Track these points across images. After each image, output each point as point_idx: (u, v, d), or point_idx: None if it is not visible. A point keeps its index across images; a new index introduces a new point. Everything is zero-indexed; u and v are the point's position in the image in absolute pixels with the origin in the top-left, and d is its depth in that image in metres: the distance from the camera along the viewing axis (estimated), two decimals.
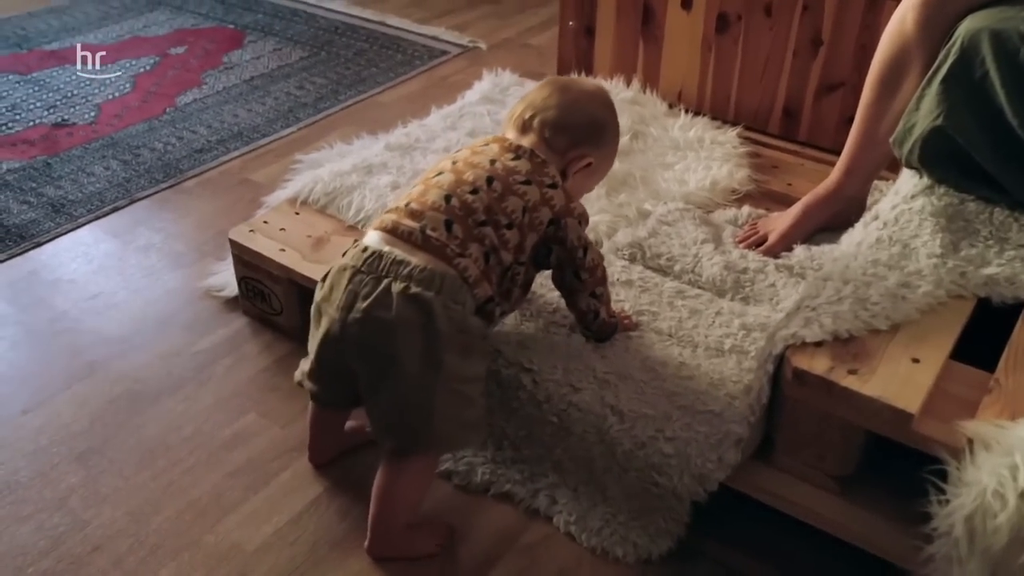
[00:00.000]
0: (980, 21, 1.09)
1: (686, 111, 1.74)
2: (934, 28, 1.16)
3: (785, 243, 1.37)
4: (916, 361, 0.96)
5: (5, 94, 2.17)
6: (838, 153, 1.39)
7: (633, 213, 1.46)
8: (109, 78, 2.27)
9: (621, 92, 1.78)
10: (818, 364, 0.95)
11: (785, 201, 1.49)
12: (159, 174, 1.87)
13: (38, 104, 2.13)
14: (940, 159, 1.14)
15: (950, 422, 0.89)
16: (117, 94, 2.20)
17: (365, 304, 0.98)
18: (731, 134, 1.68)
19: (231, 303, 1.51)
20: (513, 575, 1.07)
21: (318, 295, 1.05)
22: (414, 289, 0.97)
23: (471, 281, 1.01)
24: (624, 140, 1.64)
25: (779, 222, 1.40)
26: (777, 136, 1.72)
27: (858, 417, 0.93)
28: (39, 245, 1.65)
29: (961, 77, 1.10)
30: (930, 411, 0.92)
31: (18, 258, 1.61)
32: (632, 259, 1.36)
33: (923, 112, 1.14)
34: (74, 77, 2.27)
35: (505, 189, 1.06)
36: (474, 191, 1.05)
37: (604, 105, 1.18)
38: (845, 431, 0.96)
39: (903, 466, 0.99)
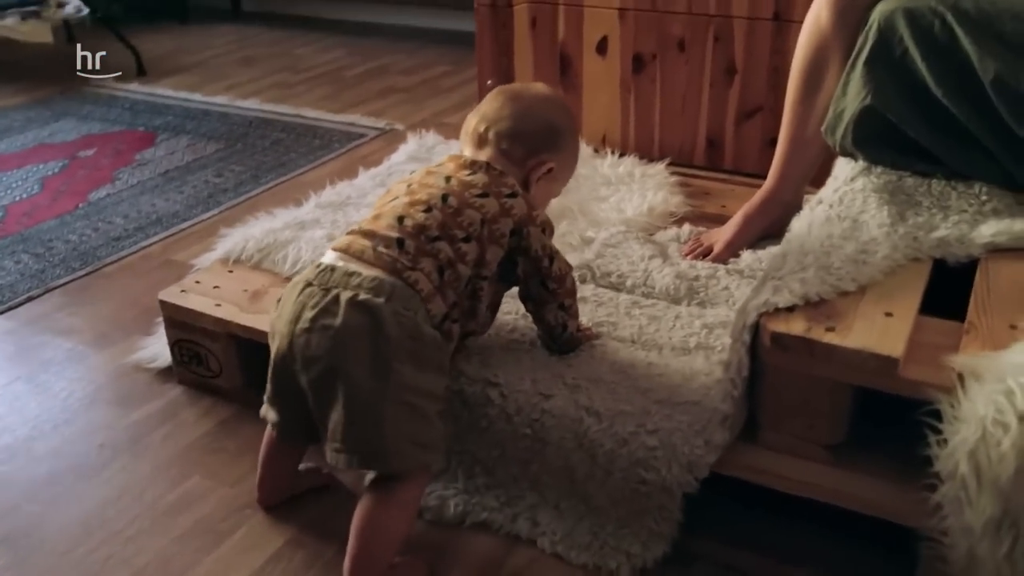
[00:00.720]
0: (892, 3, 1.14)
1: (612, 152, 1.77)
2: (848, 20, 1.21)
3: (731, 251, 1.37)
4: (889, 315, 0.95)
5: None
6: (764, 177, 1.42)
7: (576, 240, 1.45)
8: (15, 182, 2.19)
9: None
10: (795, 326, 0.93)
11: (721, 221, 1.50)
12: (76, 263, 1.78)
13: None
14: (873, 140, 1.17)
15: (935, 364, 0.88)
16: (24, 196, 2.11)
17: (312, 313, 0.94)
18: (659, 167, 1.70)
19: (163, 374, 1.42)
20: None
21: (271, 316, 0.99)
22: (362, 296, 0.94)
23: (423, 295, 0.97)
24: None
25: (722, 233, 1.41)
26: (703, 167, 1.75)
27: (843, 373, 0.91)
28: None
29: (883, 57, 1.14)
30: (912, 359, 0.90)
31: None
32: (583, 280, 1.34)
33: (850, 96, 1.18)
34: None
35: (461, 203, 1.03)
36: (428, 209, 1.02)
37: (558, 108, 1.18)
38: (832, 393, 0.93)
39: (892, 434, 0.98)
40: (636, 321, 1.22)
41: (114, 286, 1.71)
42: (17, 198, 2.10)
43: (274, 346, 0.99)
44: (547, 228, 1.10)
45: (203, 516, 1.12)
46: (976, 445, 0.81)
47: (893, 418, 0.98)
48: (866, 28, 1.16)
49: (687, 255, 1.39)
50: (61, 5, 3.02)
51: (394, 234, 1.00)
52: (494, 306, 1.12)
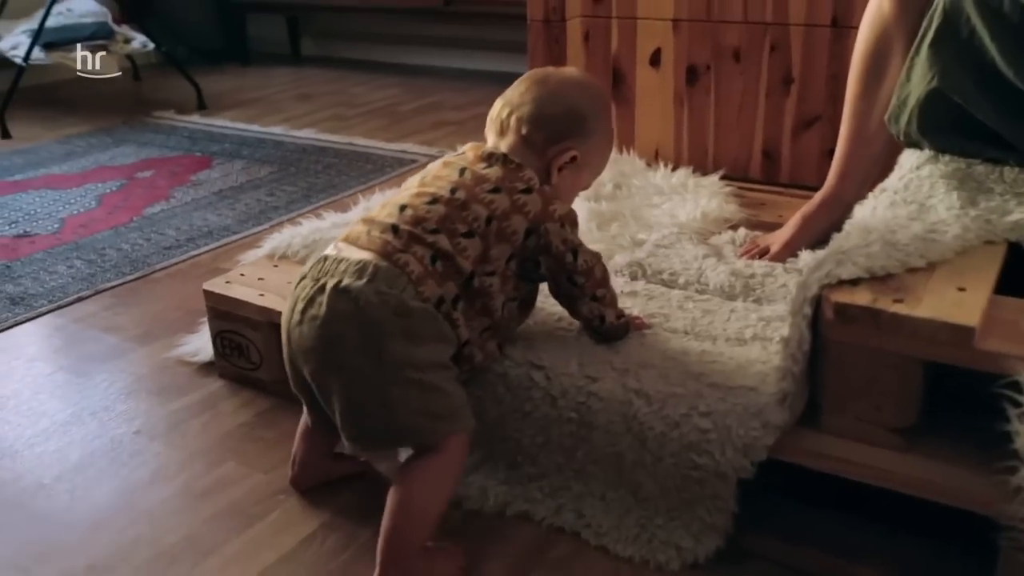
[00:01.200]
0: None
1: (664, 165, 1.73)
2: (912, 5, 1.18)
3: (789, 251, 1.32)
4: (962, 290, 0.89)
5: None
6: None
7: (627, 242, 1.41)
8: (73, 198, 2.23)
9: None
10: (860, 298, 0.88)
11: (778, 228, 1.45)
12: (126, 268, 1.79)
13: (0, 222, 2.07)
14: (940, 126, 1.12)
15: (1015, 337, 0.81)
16: (82, 210, 2.15)
17: (301, 306, 0.93)
18: (713, 178, 1.66)
19: (205, 368, 1.40)
20: None
21: None
22: (344, 282, 0.91)
23: (413, 276, 0.93)
24: (607, 189, 1.62)
25: (780, 234, 1.36)
26: (759, 181, 1.71)
27: (912, 346, 0.85)
28: None
29: (949, 38, 1.10)
30: (989, 332, 0.84)
31: None
32: (633, 276, 1.29)
33: (915, 81, 1.13)
34: (38, 199, 2.22)
35: (469, 198, 0.99)
36: (432, 201, 0.99)
37: (587, 93, 1.11)
38: (900, 371, 0.87)
39: (967, 420, 0.91)
40: (689, 314, 1.16)
41: (162, 289, 1.71)
42: (75, 212, 2.13)
43: (282, 338, 0.98)
44: (566, 221, 1.03)
45: (236, 500, 1.09)
46: None
47: (966, 406, 0.92)
48: (931, 11, 1.12)
49: (743, 255, 1.34)
50: (128, 41, 3.12)
51: (391, 221, 0.97)
52: (526, 304, 1.07)
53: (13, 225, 2.04)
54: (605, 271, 1.07)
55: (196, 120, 3.03)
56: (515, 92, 1.11)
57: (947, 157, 1.12)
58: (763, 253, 1.33)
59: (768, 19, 1.61)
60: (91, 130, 2.91)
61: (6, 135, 2.82)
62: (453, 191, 0.99)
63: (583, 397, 1.00)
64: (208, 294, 1.33)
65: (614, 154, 1.77)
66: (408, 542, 0.92)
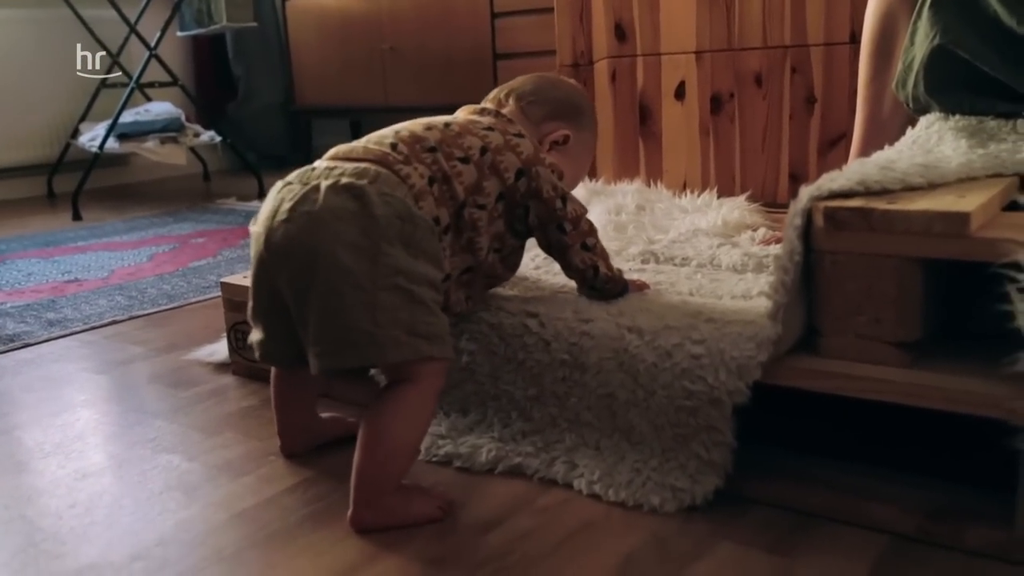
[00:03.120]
0: None
1: (691, 193, 1.73)
2: None
3: None
4: (962, 197, 0.84)
5: (23, 268, 2.21)
6: None
7: (643, 240, 1.39)
8: (127, 256, 2.32)
9: (625, 186, 1.78)
10: (851, 203, 0.84)
11: None
12: (163, 300, 1.84)
13: (54, 272, 2.16)
14: (947, 84, 1.10)
15: (1014, 227, 0.77)
16: (132, 263, 2.23)
17: (290, 205, 0.88)
18: (739, 198, 1.64)
19: (220, 367, 1.40)
20: (522, 533, 0.87)
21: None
22: (344, 180, 0.88)
23: (414, 190, 0.91)
24: (630, 209, 1.61)
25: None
26: (787, 205, 1.67)
27: (907, 245, 0.80)
28: (28, 345, 1.57)
29: None
30: (986, 225, 0.79)
31: (3, 356, 1.53)
32: (644, 261, 1.27)
33: (919, 41, 1.12)
34: (94, 258, 2.32)
35: (463, 130, 0.99)
36: (428, 128, 0.99)
37: (580, 93, 1.21)
38: (899, 274, 0.82)
39: (972, 343, 0.85)
40: (696, 283, 1.13)
41: (193, 316, 1.74)
42: (125, 265, 2.22)
43: (253, 251, 0.92)
44: (556, 169, 1.03)
45: (228, 459, 1.07)
46: None
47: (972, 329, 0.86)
48: None
49: (760, 244, 1.31)
50: (197, 135, 3.31)
51: (388, 139, 0.96)
52: (508, 262, 1.05)
53: (66, 274, 2.13)
54: (592, 225, 1.05)
55: (255, 205, 3.15)
56: (516, 80, 1.15)
57: (957, 116, 1.10)
58: (780, 241, 1.30)
59: (787, 42, 1.63)
60: (156, 213, 3.06)
61: (77, 217, 2.98)
62: (447, 124, 1.00)
63: (575, 338, 0.97)
64: (225, 286, 1.35)
65: (640, 187, 1.78)
66: (382, 477, 0.88)
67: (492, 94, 1.15)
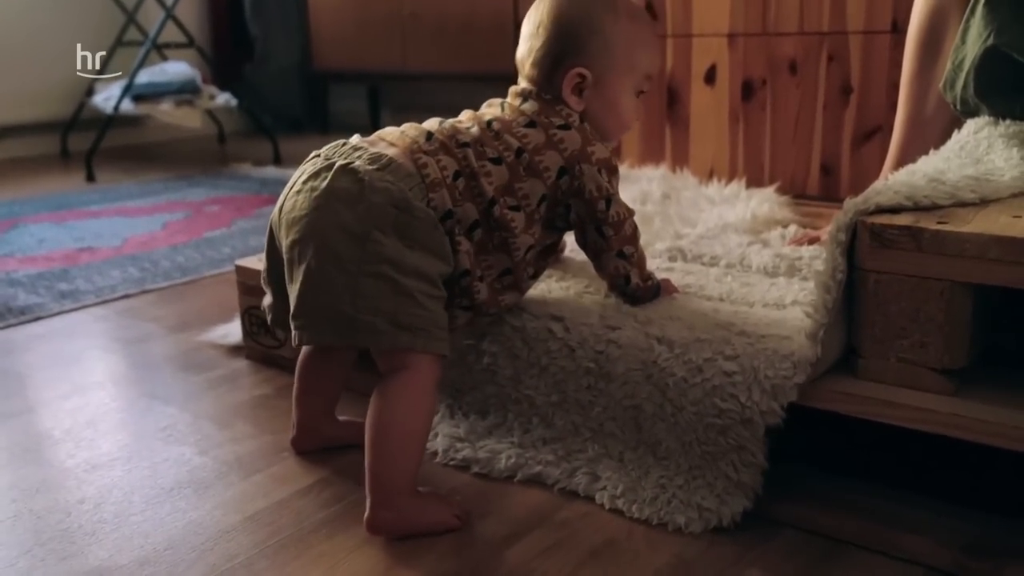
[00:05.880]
0: None
1: (719, 181, 1.68)
2: None
3: None
4: (1018, 217, 0.80)
5: (36, 234, 2.18)
6: None
7: (669, 235, 1.35)
8: (140, 224, 2.29)
9: (650, 172, 1.73)
10: (899, 220, 0.80)
11: None
12: (176, 274, 1.81)
13: (67, 239, 2.13)
14: (999, 87, 1.05)
15: None
16: (145, 231, 2.21)
17: (304, 177, 0.90)
18: (768, 190, 1.60)
19: (233, 350, 1.37)
20: (542, 550, 0.84)
21: None
22: (355, 163, 0.88)
23: (428, 181, 0.89)
24: (655, 196, 1.57)
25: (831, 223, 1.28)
26: (817, 197, 1.63)
27: (958, 269, 0.76)
28: (40, 319, 1.55)
29: None
30: None
31: (15, 328, 1.51)
32: (672, 259, 1.23)
33: (970, 42, 1.07)
34: (107, 224, 2.29)
35: (503, 128, 0.96)
36: (470, 124, 0.97)
37: (587, 1, 1.00)
38: (947, 298, 0.78)
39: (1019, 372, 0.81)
40: (727, 286, 1.09)
41: (206, 291, 1.71)
42: (138, 233, 2.19)
43: (274, 215, 0.94)
44: (605, 168, 0.97)
45: (240, 454, 1.04)
46: None
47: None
48: None
49: (790, 243, 1.27)
50: (213, 97, 3.26)
51: (428, 128, 0.95)
52: (545, 253, 1.01)
53: (79, 241, 2.10)
54: (636, 230, 1.01)
55: (270, 171, 3.11)
56: (525, 25, 1.04)
57: (1008, 121, 1.04)
58: (813, 242, 1.26)
59: (825, 28, 1.57)
60: (170, 177, 3.02)
61: (91, 178, 2.95)
62: (489, 123, 0.97)
63: (602, 346, 0.94)
64: (240, 269, 1.32)
65: (666, 173, 1.73)
66: (392, 473, 0.86)
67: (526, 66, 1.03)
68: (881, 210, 0.83)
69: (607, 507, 0.90)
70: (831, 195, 1.62)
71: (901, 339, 0.81)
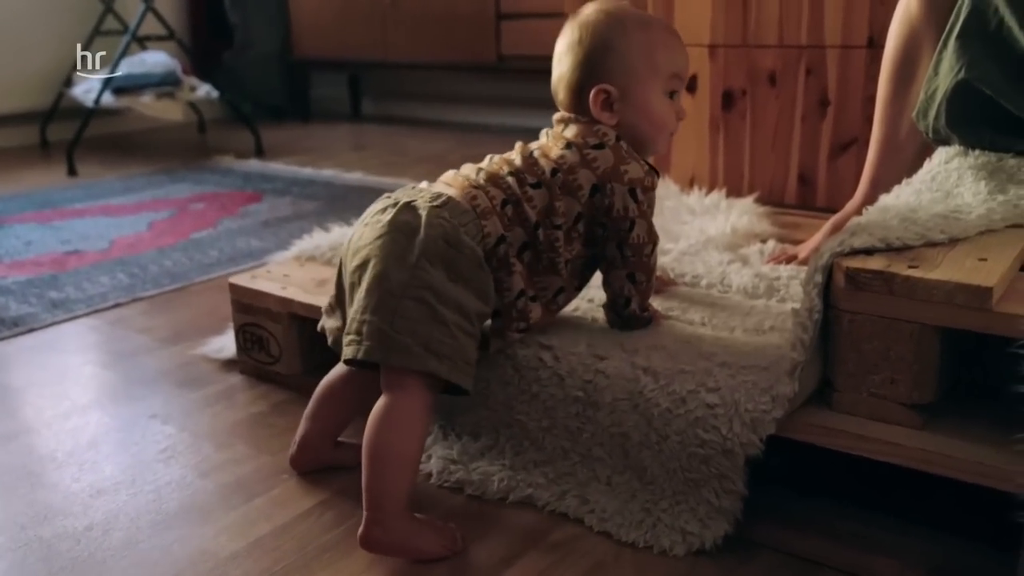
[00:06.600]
0: None
1: (699, 190, 1.72)
2: (939, 4, 1.16)
3: None
4: (983, 260, 0.85)
5: (22, 235, 2.19)
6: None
7: None
8: (125, 224, 2.30)
9: None
10: (873, 264, 0.85)
11: None
12: (165, 280, 1.83)
13: (54, 241, 2.14)
14: (969, 118, 1.09)
15: None
16: (131, 232, 2.22)
17: (374, 212, 0.99)
18: (747, 200, 1.64)
19: (227, 364, 1.40)
20: (536, 574, 0.89)
21: None
22: (416, 202, 0.96)
23: (479, 211, 0.97)
24: None
25: (809, 242, 1.33)
26: (794, 206, 1.68)
27: (927, 312, 0.81)
28: (33, 330, 1.57)
29: (977, 30, 1.08)
30: (1009, 297, 0.80)
31: (8, 341, 1.53)
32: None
33: (943, 73, 1.11)
34: (92, 224, 2.30)
35: (542, 154, 1.03)
36: (513, 158, 1.04)
37: (590, 25, 1.04)
38: (916, 339, 0.83)
39: (986, 406, 0.86)
40: (708, 310, 1.14)
41: (196, 299, 1.74)
42: (124, 233, 2.20)
43: (344, 249, 1.01)
44: (638, 186, 1.00)
45: (239, 477, 1.08)
46: None
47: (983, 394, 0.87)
48: (958, 4, 1.10)
49: (769, 262, 1.31)
50: (193, 89, 3.26)
51: (480, 167, 1.04)
52: (584, 269, 1.05)
53: (65, 244, 2.11)
54: (655, 260, 1.05)
55: (252, 165, 3.12)
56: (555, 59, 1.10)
57: (977, 152, 1.09)
58: (790, 260, 1.30)
59: (803, 42, 1.61)
60: (152, 171, 3.02)
61: (72, 172, 2.94)
62: (531, 152, 1.04)
63: (590, 375, 0.98)
64: (233, 287, 1.35)
65: None
66: (385, 493, 0.90)
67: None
68: (855, 252, 0.87)
69: (595, 529, 0.95)
70: (808, 204, 1.67)
71: (873, 375, 0.86)
